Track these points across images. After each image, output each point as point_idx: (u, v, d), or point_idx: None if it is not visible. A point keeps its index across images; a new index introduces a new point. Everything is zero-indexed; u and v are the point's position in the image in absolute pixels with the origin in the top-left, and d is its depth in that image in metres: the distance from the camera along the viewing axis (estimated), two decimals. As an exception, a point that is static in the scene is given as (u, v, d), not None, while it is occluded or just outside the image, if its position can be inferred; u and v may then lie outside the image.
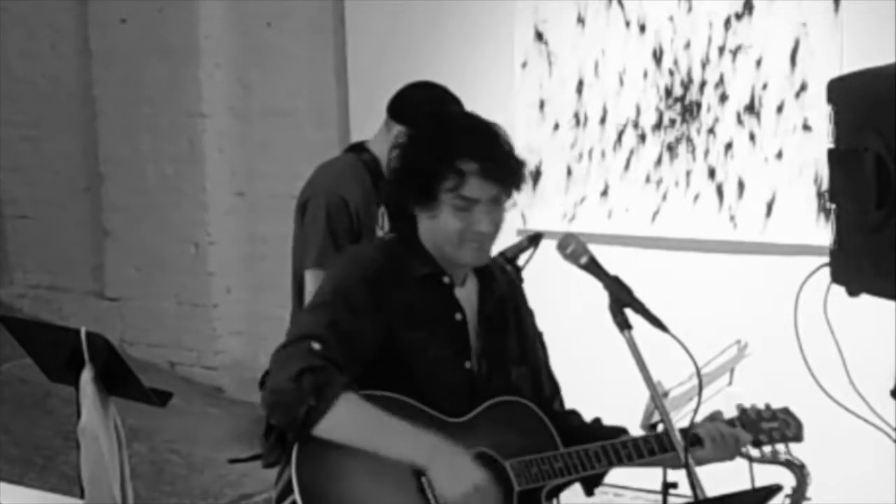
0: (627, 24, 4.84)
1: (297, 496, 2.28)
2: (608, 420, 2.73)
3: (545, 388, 2.69)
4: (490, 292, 2.58)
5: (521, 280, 2.87)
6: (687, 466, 2.25)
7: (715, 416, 2.62)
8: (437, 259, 2.49)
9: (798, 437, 2.70)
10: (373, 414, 2.32)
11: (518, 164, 2.46)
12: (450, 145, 2.41)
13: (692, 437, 2.49)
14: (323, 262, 3.29)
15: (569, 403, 2.77)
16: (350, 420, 2.31)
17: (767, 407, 2.70)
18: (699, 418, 2.42)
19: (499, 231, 2.47)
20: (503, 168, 2.42)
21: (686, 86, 4.75)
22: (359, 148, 3.47)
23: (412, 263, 2.48)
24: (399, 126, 3.30)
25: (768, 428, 2.67)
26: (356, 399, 2.31)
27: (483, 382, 2.52)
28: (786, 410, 2.71)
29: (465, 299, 2.54)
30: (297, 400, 2.27)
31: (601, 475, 2.62)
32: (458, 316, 2.51)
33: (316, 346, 2.32)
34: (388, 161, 3.29)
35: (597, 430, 2.65)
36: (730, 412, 2.87)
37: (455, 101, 3.39)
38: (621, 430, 2.65)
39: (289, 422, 2.31)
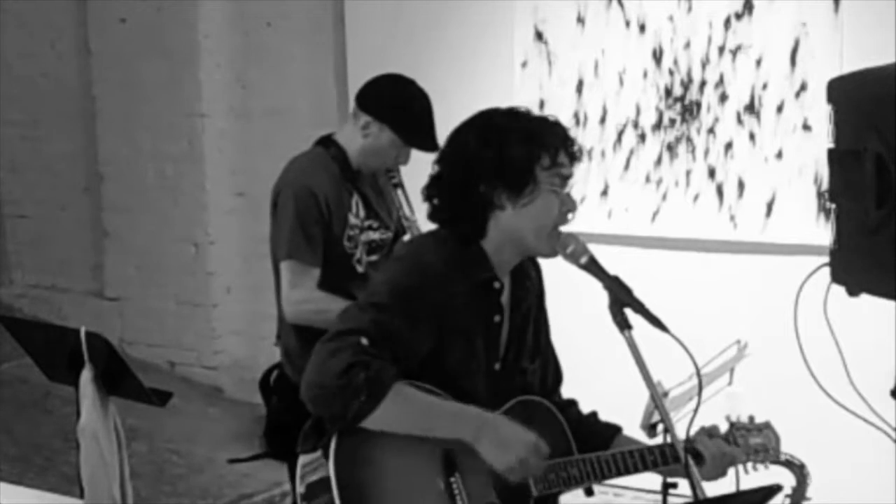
0: (627, 23, 4.84)
1: (334, 489, 2.28)
2: (607, 419, 2.73)
3: (550, 379, 2.70)
4: (524, 290, 2.57)
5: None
6: (687, 466, 2.25)
7: (712, 432, 2.59)
8: (493, 261, 2.46)
9: (777, 455, 2.67)
10: (421, 399, 2.34)
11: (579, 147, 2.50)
12: (534, 127, 2.43)
13: (693, 451, 2.48)
14: (294, 254, 3.37)
15: (569, 403, 2.78)
16: (400, 410, 2.31)
17: (751, 418, 2.67)
18: (697, 423, 2.41)
19: None
20: (577, 146, 2.46)
21: (686, 86, 4.75)
22: (327, 141, 3.54)
23: (469, 267, 2.45)
24: (366, 116, 3.43)
25: (754, 444, 2.64)
26: (404, 387, 2.32)
27: (505, 382, 2.52)
28: (766, 424, 2.68)
29: (504, 300, 2.53)
30: (348, 395, 2.26)
31: None
32: (497, 318, 2.51)
33: (364, 341, 2.30)
34: (359, 154, 3.42)
35: (593, 424, 2.67)
36: (729, 411, 2.87)
37: (423, 95, 3.48)
38: (616, 428, 2.66)
39: (336, 416, 2.30)
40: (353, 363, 2.26)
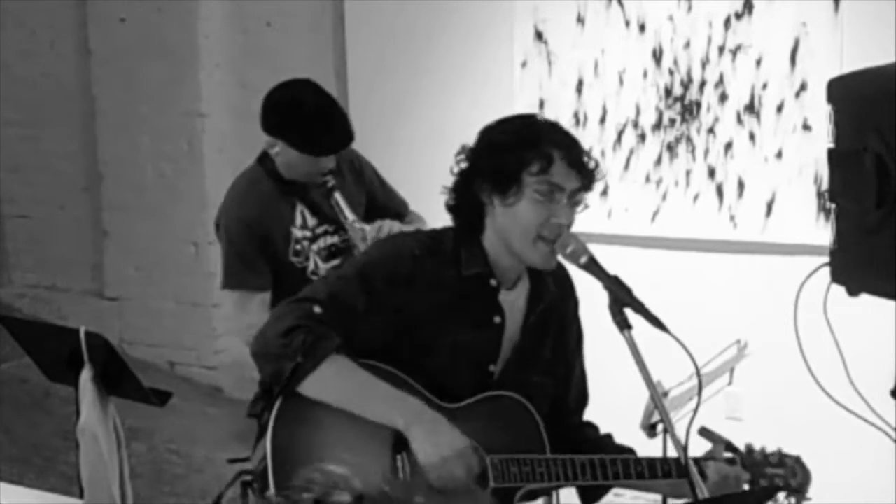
0: (627, 23, 4.84)
1: (267, 450, 2.28)
2: (607, 422, 2.73)
3: (570, 400, 2.68)
4: (539, 300, 2.56)
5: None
6: (687, 467, 2.25)
7: (715, 456, 2.57)
8: (492, 260, 2.46)
9: (801, 490, 2.60)
10: (360, 376, 2.34)
11: (595, 163, 2.45)
12: (536, 131, 2.42)
13: (699, 470, 2.45)
14: (231, 283, 3.42)
15: (569, 403, 2.77)
16: (336, 380, 2.32)
17: (779, 451, 2.63)
18: (697, 423, 2.40)
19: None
20: (585, 160, 2.43)
21: (686, 85, 4.75)
22: (264, 157, 3.52)
23: (462, 261, 2.45)
24: (267, 135, 3.41)
25: (772, 473, 2.59)
26: (345, 360, 2.33)
27: (499, 385, 2.50)
28: (796, 459, 2.63)
29: (512, 303, 2.52)
30: (285, 355, 2.30)
31: (602, 491, 2.61)
32: (497, 319, 2.49)
33: (317, 309, 2.35)
34: (284, 169, 3.38)
35: (603, 445, 2.63)
36: (729, 411, 2.87)
37: (309, 99, 3.39)
38: (626, 450, 2.62)
39: (274, 374, 2.34)
40: (297, 325, 2.32)
